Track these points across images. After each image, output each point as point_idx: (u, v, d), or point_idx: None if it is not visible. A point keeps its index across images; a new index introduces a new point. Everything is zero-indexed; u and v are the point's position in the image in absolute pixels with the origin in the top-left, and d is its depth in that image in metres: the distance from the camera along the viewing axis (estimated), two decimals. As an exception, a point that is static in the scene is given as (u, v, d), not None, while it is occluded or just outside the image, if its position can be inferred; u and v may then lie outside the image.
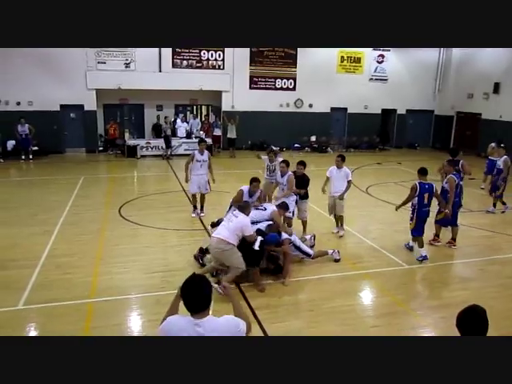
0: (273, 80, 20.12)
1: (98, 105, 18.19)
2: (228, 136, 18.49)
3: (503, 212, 10.63)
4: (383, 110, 21.86)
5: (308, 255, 7.06)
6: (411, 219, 7.51)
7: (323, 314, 5.68)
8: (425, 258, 7.37)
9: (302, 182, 8.05)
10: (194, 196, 9.57)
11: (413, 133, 22.28)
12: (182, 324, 2.68)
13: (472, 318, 2.51)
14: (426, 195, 7.27)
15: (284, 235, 6.74)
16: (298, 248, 6.97)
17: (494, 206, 10.66)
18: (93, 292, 6.04)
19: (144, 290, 6.15)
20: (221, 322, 2.73)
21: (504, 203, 10.74)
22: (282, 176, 7.99)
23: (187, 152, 17.97)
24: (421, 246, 7.45)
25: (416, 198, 7.30)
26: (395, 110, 22.14)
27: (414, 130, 22.33)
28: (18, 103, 17.01)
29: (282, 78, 20.20)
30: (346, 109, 21.37)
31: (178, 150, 18.15)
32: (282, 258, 6.66)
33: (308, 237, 7.87)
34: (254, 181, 7.47)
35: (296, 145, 20.52)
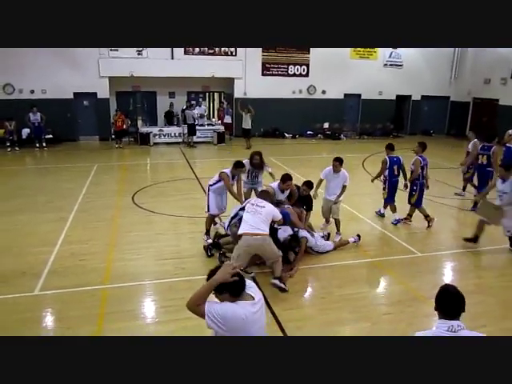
0: (285, 66, 19.92)
1: (110, 92, 18.24)
2: (242, 126, 17.49)
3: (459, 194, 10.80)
4: (398, 97, 21.53)
5: (328, 251, 7.04)
6: (384, 189, 8.63)
7: (335, 301, 5.68)
8: (398, 221, 8.48)
9: (305, 203, 7.37)
10: (213, 218, 7.58)
11: (428, 119, 21.94)
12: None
13: (446, 297, 2.69)
14: (395, 167, 8.41)
15: (302, 232, 6.70)
16: (317, 251, 6.95)
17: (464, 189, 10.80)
18: (107, 278, 6.11)
19: (157, 277, 6.21)
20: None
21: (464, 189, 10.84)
22: (283, 192, 7.07)
23: (199, 140, 18.04)
24: (394, 211, 8.59)
25: (387, 171, 8.37)
26: (410, 96, 21.80)
27: (429, 117, 21.99)
28: (32, 91, 17.14)
29: (294, 65, 20.00)
30: (359, 95, 21.10)
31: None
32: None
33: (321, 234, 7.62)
34: (288, 179, 6.91)
35: (309, 132, 20.38)
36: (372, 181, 8.79)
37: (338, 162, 7.49)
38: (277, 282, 5.81)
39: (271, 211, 5.75)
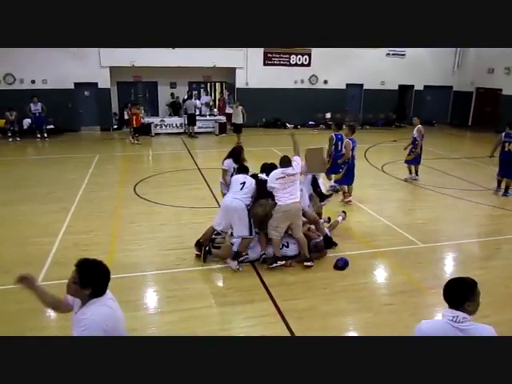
0: (287, 56, 19.78)
1: (111, 82, 18.16)
2: (233, 121, 16.47)
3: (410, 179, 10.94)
4: (400, 86, 21.39)
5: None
6: (328, 161, 9.24)
7: (337, 291, 5.69)
8: (333, 188, 9.62)
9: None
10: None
11: (430, 109, 21.80)
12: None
13: (449, 286, 2.67)
14: (339, 143, 9.43)
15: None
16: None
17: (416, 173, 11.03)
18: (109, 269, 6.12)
19: (159, 267, 6.22)
20: None
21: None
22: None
23: (201, 130, 18.00)
24: (329, 178, 9.78)
25: (333, 146, 9.43)
26: (412, 86, 21.65)
27: (432, 107, 21.85)
28: (33, 81, 17.07)
29: (296, 54, 19.85)
30: (361, 85, 20.98)
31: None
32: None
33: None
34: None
35: (310, 122, 20.29)
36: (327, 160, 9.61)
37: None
38: (309, 263, 6.21)
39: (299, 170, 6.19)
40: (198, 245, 6.49)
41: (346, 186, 9.22)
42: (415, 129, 10.88)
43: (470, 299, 2.59)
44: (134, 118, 15.89)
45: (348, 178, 9.16)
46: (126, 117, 17.43)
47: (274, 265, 6.13)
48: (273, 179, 6.07)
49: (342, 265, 6.27)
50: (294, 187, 6.10)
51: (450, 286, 2.67)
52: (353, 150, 9.05)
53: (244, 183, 6.24)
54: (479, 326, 2.55)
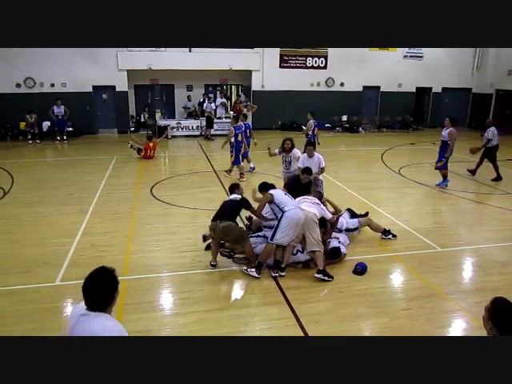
0: (304, 58, 19.74)
1: (129, 85, 18.37)
2: None
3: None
4: (418, 89, 21.15)
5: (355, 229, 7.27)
6: (231, 152, 11.24)
7: (353, 295, 5.63)
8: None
9: (307, 190, 7.15)
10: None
11: (448, 112, 21.30)
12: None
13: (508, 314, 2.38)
14: (240, 134, 11.22)
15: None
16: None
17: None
18: (125, 270, 6.18)
19: (174, 269, 6.25)
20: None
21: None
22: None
23: (217, 132, 18.04)
24: (242, 166, 11.36)
25: (233, 138, 11.07)
26: (430, 89, 21.39)
27: (450, 109, 21.45)
28: (52, 85, 17.38)
29: (313, 57, 19.80)
30: (378, 87, 20.81)
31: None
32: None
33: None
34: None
35: (327, 125, 20.20)
36: (222, 147, 11.68)
37: (312, 146, 8.22)
38: (320, 275, 5.96)
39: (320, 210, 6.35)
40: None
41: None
42: (447, 131, 10.29)
43: None
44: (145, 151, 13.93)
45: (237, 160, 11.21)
46: (143, 119, 17.58)
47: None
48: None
49: (360, 270, 6.20)
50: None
51: (505, 314, 2.38)
52: (236, 135, 11.19)
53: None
54: None
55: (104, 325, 2.44)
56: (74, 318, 2.54)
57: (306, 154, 8.08)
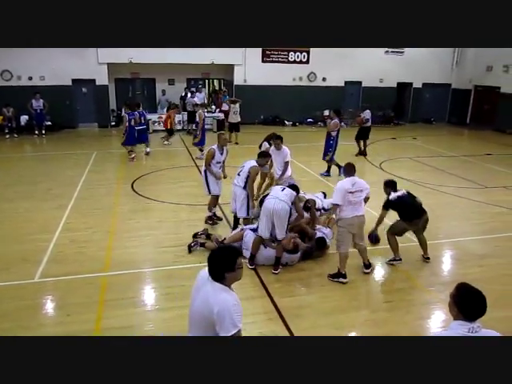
0: (286, 53, 19.72)
1: (109, 79, 18.09)
2: (229, 120, 16.22)
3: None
4: (399, 84, 21.36)
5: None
6: (124, 134, 12.63)
7: (335, 288, 5.69)
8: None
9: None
10: (217, 198, 7.86)
11: (429, 107, 21.80)
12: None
13: (470, 298, 2.48)
14: (133, 121, 12.49)
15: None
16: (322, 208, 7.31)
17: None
18: (107, 266, 6.12)
19: (156, 265, 6.21)
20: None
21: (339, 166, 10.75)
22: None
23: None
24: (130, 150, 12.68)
25: (127, 123, 12.48)
26: (411, 84, 21.61)
27: (430, 104, 21.84)
28: (30, 78, 16.99)
29: (295, 52, 19.78)
30: (360, 82, 20.93)
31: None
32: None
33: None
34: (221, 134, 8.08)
35: (309, 119, 20.27)
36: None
37: (280, 139, 8.22)
38: (369, 270, 6.11)
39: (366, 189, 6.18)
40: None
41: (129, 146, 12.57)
42: (331, 122, 11.06)
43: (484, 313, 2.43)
44: (169, 120, 15.48)
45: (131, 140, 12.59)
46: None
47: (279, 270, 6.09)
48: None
49: (375, 238, 6.47)
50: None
51: (471, 299, 2.46)
52: (129, 121, 12.38)
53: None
54: (488, 332, 2.48)
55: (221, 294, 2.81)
56: (203, 278, 2.97)
57: (273, 147, 8.25)
